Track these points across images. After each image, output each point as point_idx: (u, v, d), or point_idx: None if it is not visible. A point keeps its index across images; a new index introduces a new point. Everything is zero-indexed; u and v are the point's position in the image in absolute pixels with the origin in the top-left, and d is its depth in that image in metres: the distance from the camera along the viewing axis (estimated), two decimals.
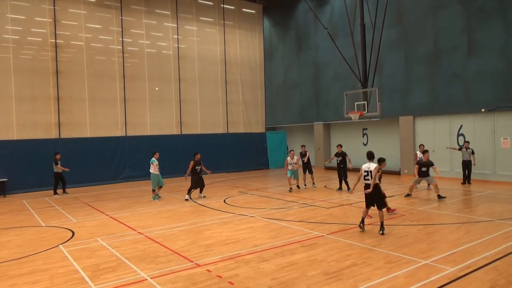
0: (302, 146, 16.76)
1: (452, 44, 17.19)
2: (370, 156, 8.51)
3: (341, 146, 15.15)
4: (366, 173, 8.31)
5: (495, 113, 15.87)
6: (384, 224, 8.29)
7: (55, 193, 15.92)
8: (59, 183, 16.01)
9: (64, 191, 16.22)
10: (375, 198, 8.30)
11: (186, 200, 13.50)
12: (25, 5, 17.59)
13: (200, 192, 14.11)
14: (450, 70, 17.31)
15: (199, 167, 13.81)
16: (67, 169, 16.02)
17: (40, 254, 7.56)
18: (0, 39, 16.99)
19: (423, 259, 6.62)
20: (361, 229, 8.54)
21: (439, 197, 12.14)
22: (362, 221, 8.48)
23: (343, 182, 14.64)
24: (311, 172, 15.89)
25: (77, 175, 18.34)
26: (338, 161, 14.68)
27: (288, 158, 15.23)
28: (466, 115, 16.96)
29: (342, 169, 14.59)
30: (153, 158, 13.94)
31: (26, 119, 17.54)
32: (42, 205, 13.61)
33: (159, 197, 14.18)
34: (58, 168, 15.78)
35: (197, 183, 13.84)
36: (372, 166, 8.29)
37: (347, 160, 14.55)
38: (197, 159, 13.76)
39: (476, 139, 16.29)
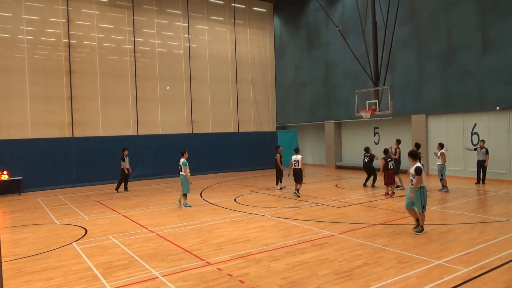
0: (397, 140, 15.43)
1: (465, 41, 16.90)
2: (297, 151, 13.78)
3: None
4: (295, 162, 13.29)
5: (510, 111, 15.57)
6: (299, 191, 13.35)
7: (125, 189, 15.93)
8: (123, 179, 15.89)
9: (125, 189, 16.03)
10: (299, 176, 13.22)
11: (284, 187, 15.56)
12: (39, 5, 17.89)
13: (281, 182, 15.71)
14: (463, 67, 17.01)
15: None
16: (127, 169, 15.67)
17: (54, 251, 7.68)
18: (15, 39, 17.32)
19: (436, 259, 6.53)
20: (296, 196, 13.11)
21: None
22: (297, 191, 13.32)
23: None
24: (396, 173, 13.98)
25: (89, 174, 18.65)
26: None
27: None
28: (480, 113, 16.66)
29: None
30: (183, 160, 12.08)
31: (40, 118, 17.85)
32: (56, 203, 13.83)
33: (189, 205, 12.33)
34: (124, 165, 15.59)
35: (282, 174, 15.68)
36: (299, 157, 13.27)
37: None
38: (280, 152, 15.70)
39: (491, 138, 16.00)
